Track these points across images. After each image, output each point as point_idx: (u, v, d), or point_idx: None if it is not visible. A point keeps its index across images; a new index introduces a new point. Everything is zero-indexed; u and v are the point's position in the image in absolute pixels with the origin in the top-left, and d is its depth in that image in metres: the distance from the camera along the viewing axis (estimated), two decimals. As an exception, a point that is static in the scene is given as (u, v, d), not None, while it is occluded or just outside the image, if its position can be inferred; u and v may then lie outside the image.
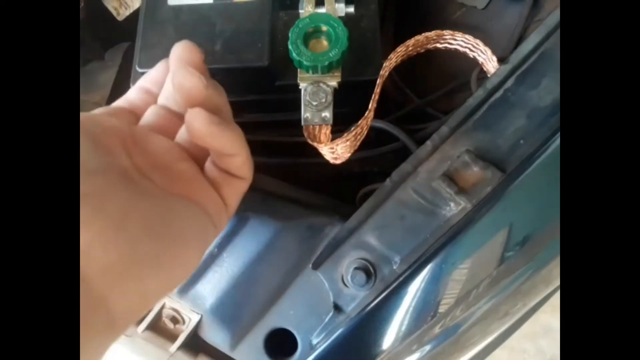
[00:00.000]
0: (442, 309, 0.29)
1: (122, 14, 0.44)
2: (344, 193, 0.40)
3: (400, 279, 0.27)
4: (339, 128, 0.36)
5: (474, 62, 0.33)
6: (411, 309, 0.28)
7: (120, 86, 0.43)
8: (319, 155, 0.34)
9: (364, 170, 0.45)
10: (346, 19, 0.35)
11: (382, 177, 0.45)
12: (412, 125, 0.42)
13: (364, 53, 0.35)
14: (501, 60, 0.31)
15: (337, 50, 0.30)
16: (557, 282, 0.34)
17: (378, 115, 0.35)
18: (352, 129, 0.29)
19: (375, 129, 0.37)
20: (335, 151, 0.30)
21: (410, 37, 0.32)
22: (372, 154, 0.39)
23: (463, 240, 0.27)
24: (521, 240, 0.28)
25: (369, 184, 0.43)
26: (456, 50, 0.32)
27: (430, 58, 0.37)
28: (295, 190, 0.36)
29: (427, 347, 0.30)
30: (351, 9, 0.35)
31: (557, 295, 0.41)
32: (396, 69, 0.34)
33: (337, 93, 0.33)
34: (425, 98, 0.43)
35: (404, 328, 0.29)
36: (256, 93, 0.37)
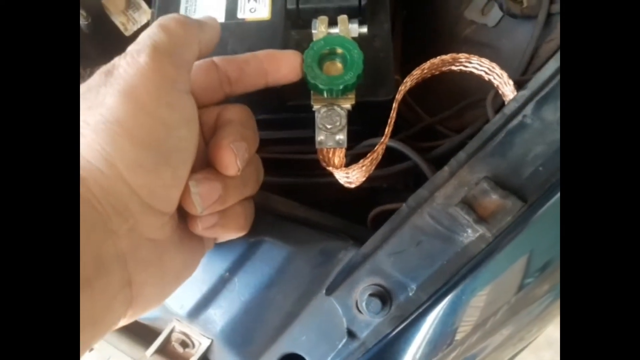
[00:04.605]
0: (458, 336, 0.28)
1: (129, 29, 0.43)
2: (352, 209, 0.40)
3: (421, 309, 0.27)
4: (350, 145, 0.35)
5: (489, 84, 0.33)
6: (428, 337, 0.28)
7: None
8: (330, 174, 0.34)
9: (372, 185, 0.45)
10: (359, 40, 0.34)
11: (390, 193, 0.45)
12: (422, 143, 0.42)
13: (377, 73, 0.35)
14: (517, 84, 0.31)
15: (352, 73, 0.29)
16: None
17: (389, 132, 0.34)
18: (369, 155, 0.28)
19: (387, 147, 0.36)
20: (350, 176, 0.29)
21: (419, 54, 0.32)
22: (383, 173, 0.39)
23: (485, 269, 0.26)
24: (541, 267, 0.27)
25: (377, 199, 0.43)
26: (471, 73, 0.32)
27: (441, 75, 0.37)
28: (306, 210, 0.36)
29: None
30: (364, 29, 0.34)
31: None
32: (407, 86, 0.34)
33: (350, 112, 0.32)
34: (435, 116, 0.43)
35: (418, 357, 0.29)
36: (267, 112, 0.36)
